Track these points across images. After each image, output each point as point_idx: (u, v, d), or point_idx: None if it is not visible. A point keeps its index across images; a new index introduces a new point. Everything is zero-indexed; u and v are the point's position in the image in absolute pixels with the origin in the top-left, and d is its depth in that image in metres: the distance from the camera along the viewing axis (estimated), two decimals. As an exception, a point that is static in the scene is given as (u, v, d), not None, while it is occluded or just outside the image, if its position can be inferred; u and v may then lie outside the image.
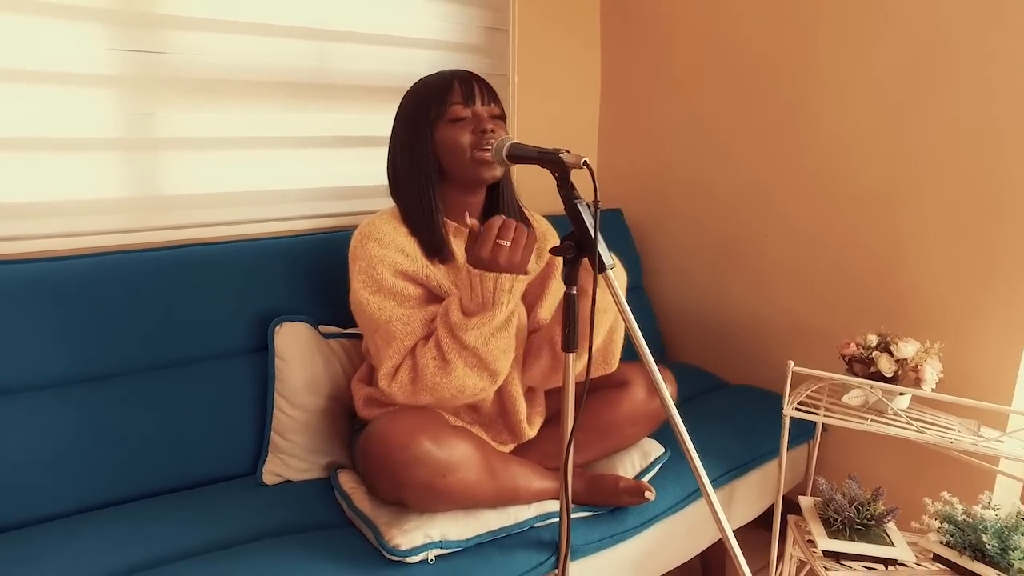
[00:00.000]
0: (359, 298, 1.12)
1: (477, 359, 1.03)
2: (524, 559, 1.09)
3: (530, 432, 1.24)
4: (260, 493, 1.24)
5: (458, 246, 1.18)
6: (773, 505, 1.41)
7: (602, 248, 0.94)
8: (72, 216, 1.31)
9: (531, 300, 1.28)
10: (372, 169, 1.64)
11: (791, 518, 1.30)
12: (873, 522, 1.19)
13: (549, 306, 1.27)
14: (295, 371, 1.29)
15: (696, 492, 1.31)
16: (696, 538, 1.38)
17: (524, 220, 1.24)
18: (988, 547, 1.05)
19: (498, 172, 1.15)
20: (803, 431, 1.54)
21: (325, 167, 1.60)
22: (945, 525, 1.12)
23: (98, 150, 1.32)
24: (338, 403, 1.33)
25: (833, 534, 1.18)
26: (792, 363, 1.31)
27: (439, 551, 1.05)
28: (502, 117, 1.17)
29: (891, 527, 1.20)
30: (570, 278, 0.98)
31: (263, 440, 1.30)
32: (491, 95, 1.16)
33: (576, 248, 0.96)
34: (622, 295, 0.93)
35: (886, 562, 1.15)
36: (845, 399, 1.31)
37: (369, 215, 1.19)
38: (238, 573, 0.98)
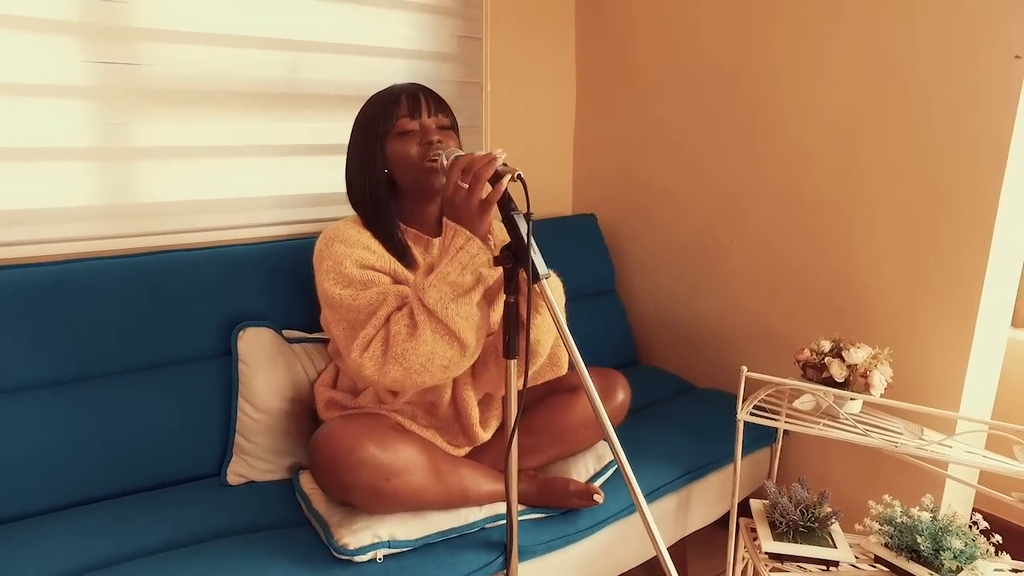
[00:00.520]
0: (329, 295, 1.11)
1: (442, 325, 1.01)
2: (473, 559, 1.12)
3: (484, 435, 1.28)
4: (224, 493, 1.28)
5: (419, 252, 1.21)
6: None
7: (537, 258, 0.97)
8: (48, 224, 1.35)
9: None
10: (342, 177, 1.67)
11: (742, 521, 1.32)
12: (817, 525, 1.21)
13: (500, 313, 1.30)
14: (258, 375, 1.33)
15: (648, 495, 1.33)
16: (648, 541, 1.40)
17: None
18: (922, 548, 1.07)
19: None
20: (764, 435, 1.56)
21: (298, 175, 1.63)
22: (885, 527, 1.14)
23: (73, 160, 1.36)
24: (301, 405, 1.37)
25: (778, 536, 1.20)
26: (745, 368, 1.33)
27: (387, 551, 1.08)
28: (451, 127, 1.20)
29: (835, 529, 1.23)
30: (508, 287, 1.01)
31: (228, 442, 1.34)
32: (439, 106, 1.18)
33: (513, 258, 0.99)
34: (556, 304, 0.96)
35: (828, 563, 1.17)
36: (796, 404, 1.33)
37: (333, 222, 1.23)
38: (194, 570, 1.02)
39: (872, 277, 1.47)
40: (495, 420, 1.31)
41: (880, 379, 1.27)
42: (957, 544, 1.04)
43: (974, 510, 1.27)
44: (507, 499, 1.08)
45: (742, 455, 1.34)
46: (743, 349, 1.77)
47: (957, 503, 1.40)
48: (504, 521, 1.19)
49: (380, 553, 1.08)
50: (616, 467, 1.33)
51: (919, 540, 1.07)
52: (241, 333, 1.34)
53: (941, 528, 1.08)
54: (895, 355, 1.36)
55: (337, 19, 1.63)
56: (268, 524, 1.19)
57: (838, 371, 1.31)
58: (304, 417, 1.37)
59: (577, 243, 1.96)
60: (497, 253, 0.99)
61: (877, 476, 1.49)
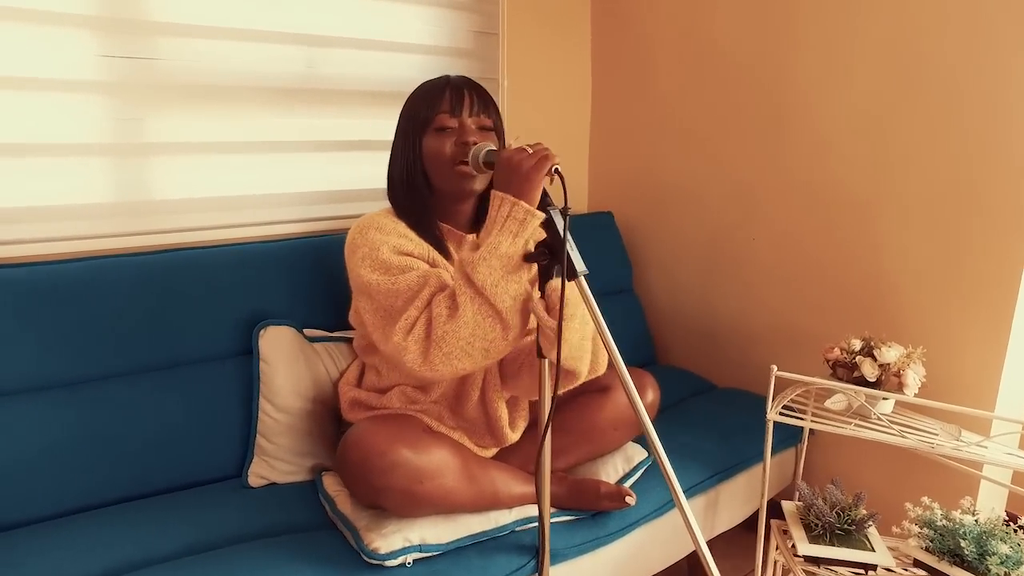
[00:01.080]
0: (365, 280, 1.06)
1: (487, 305, 0.96)
2: (504, 563, 1.10)
3: (512, 436, 1.25)
4: (245, 495, 1.25)
5: (452, 248, 1.19)
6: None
7: (574, 255, 0.94)
8: (62, 221, 1.32)
9: None
10: (361, 173, 1.65)
11: (774, 523, 1.30)
12: (854, 527, 1.19)
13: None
14: (279, 374, 1.30)
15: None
16: (680, 542, 1.38)
17: None
18: (966, 552, 1.05)
19: (478, 185, 1.14)
20: (790, 435, 1.54)
21: (314, 171, 1.60)
22: (925, 530, 1.11)
23: (88, 155, 1.33)
24: (323, 405, 1.34)
25: (814, 539, 1.18)
26: (775, 367, 1.31)
27: (418, 555, 1.06)
28: (494, 129, 1.16)
29: (872, 532, 1.20)
30: (543, 284, 0.99)
31: (249, 443, 1.31)
32: (483, 105, 1.15)
33: (549, 254, 0.97)
34: (594, 302, 0.94)
35: (866, 567, 1.15)
36: (828, 403, 1.31)
37: (354, 218, 1.20)
38: (217, 576, 0.99)
39: (902, 274, 1.45)
40: (522, 420, 1.28)
41: (914, 378, 1.24)
42: (1004, 549, 1.02)
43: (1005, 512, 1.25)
44: (539, 503, 1.06)
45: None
46: (765, 348, 1.74)
47: (989, 504, 1.37)
48: (534, 524, 1.17)
49: (410, 558, 1.05)
50: (645, 468, 1.31)
51: (963, 544, 1.05)
52: (262, 332, 1.32)
53: (985, 532, 1.06)
54: (926, 354, 1.33)
55: (353, 14, 1.61)
56: (291, 527, 1.16)
57: (870, 370, 1.29)
58: (326, 417, 1.34)
59: (594, 241, 1.93)
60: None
61: (905, 476, 1.47)
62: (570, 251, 0.94)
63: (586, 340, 1.06)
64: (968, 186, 1.34)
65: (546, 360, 1.01)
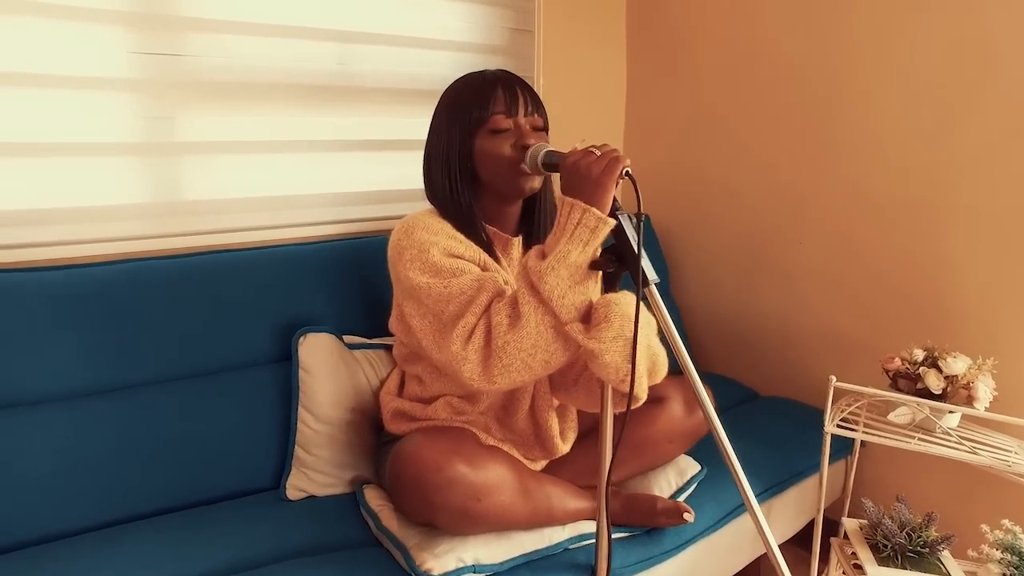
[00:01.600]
0: (415, 284, 1.01)
1: (551, 315, 0.91)
2: (559, 583, 1.05)
3: (564, 448, 1.20)
4: (284, 509, 1.20)
5: (499, 251, 1.14)
6: (810, 525, 1.36)
7: (645, 262, 0.89)
8: (93, 222, 1.28)
9: None
10: (396, 173, 1.61)
11: (834, 541, 1.24)
12: (926, 549, 1.13)
13: None
14: (319, 384, 1.25)
15: (734, 511, 1.26)
16: (733, 558, 1.33)
17: None
18: (1052, 579, 0.99)
19: (536, 184, 1.10)
20: (840, 447, 1.48)
21: (348, 171, 1.56)
22: (1007, 556, 1.05)
23: (119, 155, 1.29)
24: (363, 416, 1.29)
25: (883, 561, 1.12)
26: (834, 378, 1.26)
27: (472, 575, 1.01)
28: (544, 128, 1.11)
29: (946, 555, 1.14)
30: (609, 292, 0.94)
31: (287, 453, 1.26)
32: (535, 104, 1.10)
33: (617, 261, 0.91)
34: (665, 310, 0.89)
35: (939, 591, 1.09)
36: (892, 416, 1.25)
37: (401, 218, 1.14)
38: (263, 598, 0.95)
39: (967, 282, 1.39)
40: (572, 432, 1.23)
41: (985, 391, 1.19)
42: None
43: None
44: (598, 525, 1.01)
45: (818, 469, 1.26)
46: (811, 355, 1.69)
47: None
48: (588, 542, 1.11)
49: (464, 578, 1.00)
50: (698, 482, 1.26)
51: (1049, 570, 0.99)
52: (302, 339, 1.27)
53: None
54: (995, 366, 1.27)
55: (387, 10, 1.56)
56: (334, 544, 1.11)
57: (935, 382, 1.23)
58: (366, 428, 1.29)
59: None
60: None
61: (969, 496, 1.41)
62: (642, 258, 0.89)
63: (641, 364, 1.00)
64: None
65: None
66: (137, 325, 1.21)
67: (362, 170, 1.57)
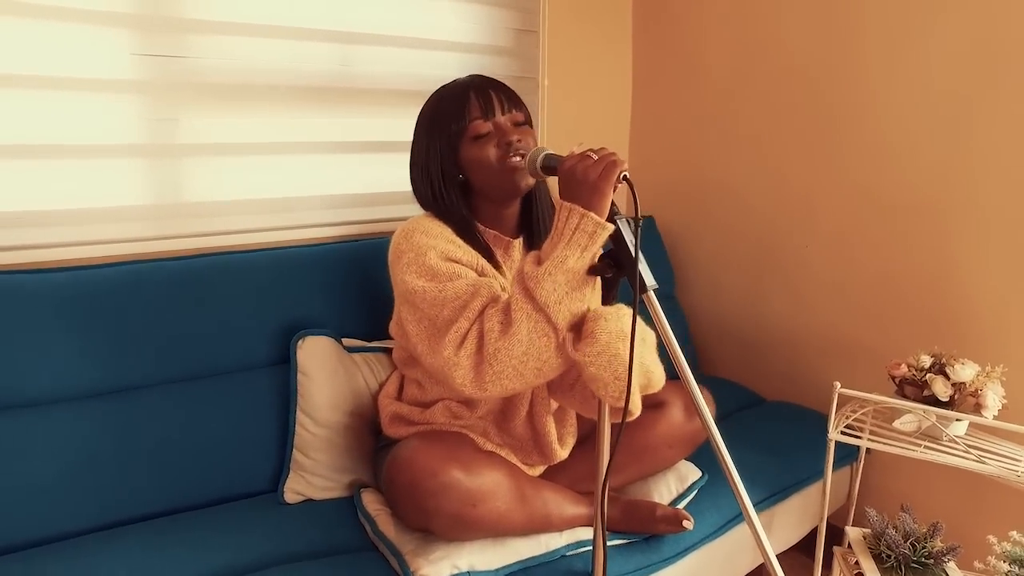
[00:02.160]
0: (410, 288, 1.00)
1: (544, 322, 0.90)
2: (555, 591, 1.04)
3: (562, 453, 1.19)
4: (281, 512, 1.20)
5: (499, 255, 1.13)
6: (814, 531, 1.34)
7: (643, 267, 0.88)
8: (95, 224, 1.28)
9: None
10: (398, 175, 1.58)
11: (837, 550, 1.22)
12: (931, 560, 1.11)
13: None
14: (318, 387, 1.25)
15: (735, 519, 1.24)
16: (733, 566, 1.32)
17: None
18: (1060, 592, 0.97)
19: (531, 179, 1.09)
20: (844, 454, 1.46)
21: (350, 173, 1.55)
22: (1015, 569, 1.03)
23: (121, 157, 1.30)
24: (361, 419, 1.29)
25: (886, 572, 1.10)
26: (839, 384, 1.24)
27: (466, 582, 1.00)
28: (527, 122, 1.10)
29: (951, 567, 1.12)
30: (607, 299, 0.93)
31: (284, 456, 1.26)
32: (511, 101, 1.09)
33: (615, 266, 0.90)
34: (663, 316, 0.87)
35: (945, 604, 1.07)
36: (897, 424, 1.23)
37: (401, 221, 1.13)
38: (258, 602, 0.94)
39: (976, 287, 1.36)
40: (571, 437, 1.22)
41: (994, 399, 1.16)
42: (1104, 588, 0.94)
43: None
44: (595, 532, 1.00)
45: (822, 476, 1.24)
46: (817, 360, 1.66)
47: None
48: (585, 549, 1.10)
49: (459, 585, 0.99)
50: (699, 489, 1.24)
51: (1057, 582, 0.97)
52: (300, 342, 1.26)
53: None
54: (1005, 374, 1.25)
55: (390, 11, 1.55)
56: (331, 548, 1.11)
57: (942, 389, 1.21)
58: (364, 432, 1.29)
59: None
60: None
61: (976, 506, 1.38)
62: (640, 264, 0.87)
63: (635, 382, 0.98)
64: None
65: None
66: (137, 327, 1.21)
67: (364, 172, 1.57)
